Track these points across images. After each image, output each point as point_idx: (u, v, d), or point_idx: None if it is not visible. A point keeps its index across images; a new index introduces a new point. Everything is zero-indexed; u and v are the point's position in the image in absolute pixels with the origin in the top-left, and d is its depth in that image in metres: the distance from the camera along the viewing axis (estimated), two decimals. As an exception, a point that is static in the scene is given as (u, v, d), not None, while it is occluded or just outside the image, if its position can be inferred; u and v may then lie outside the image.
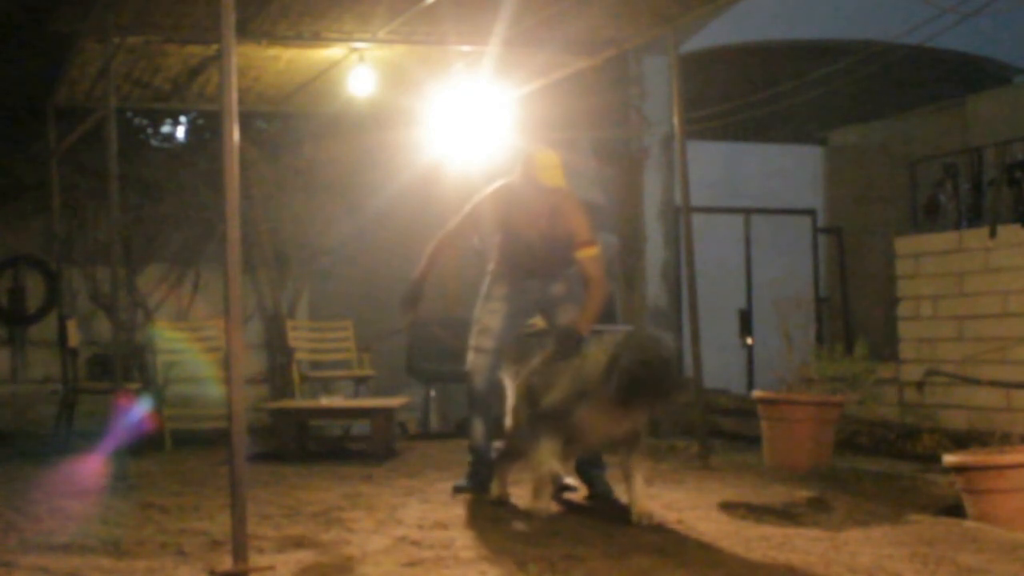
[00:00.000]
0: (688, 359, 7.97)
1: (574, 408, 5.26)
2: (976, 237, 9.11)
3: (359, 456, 8.29)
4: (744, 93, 11.91)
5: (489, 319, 5.99)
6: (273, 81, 9.55)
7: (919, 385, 9.20)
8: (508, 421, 5.79)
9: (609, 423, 5.28)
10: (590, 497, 5.97)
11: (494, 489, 5.84)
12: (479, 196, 6.07)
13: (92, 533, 5.15)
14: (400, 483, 6.73)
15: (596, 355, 5.28)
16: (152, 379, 9.52)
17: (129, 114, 11.10)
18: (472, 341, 6.01)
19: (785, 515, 5.65)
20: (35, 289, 10.93)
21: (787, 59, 13.74)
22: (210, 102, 9.95)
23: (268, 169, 11.23)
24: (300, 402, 9.27)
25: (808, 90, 11.15)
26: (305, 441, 8.59)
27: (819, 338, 11.42)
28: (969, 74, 14.71)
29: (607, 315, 7.86)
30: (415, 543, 4.88)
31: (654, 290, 12.57)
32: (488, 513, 5.61)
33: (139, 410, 8.28)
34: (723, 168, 13.02)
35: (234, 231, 4.47)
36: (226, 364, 4.52)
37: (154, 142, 11.84)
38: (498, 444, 5.96)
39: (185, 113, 11.57)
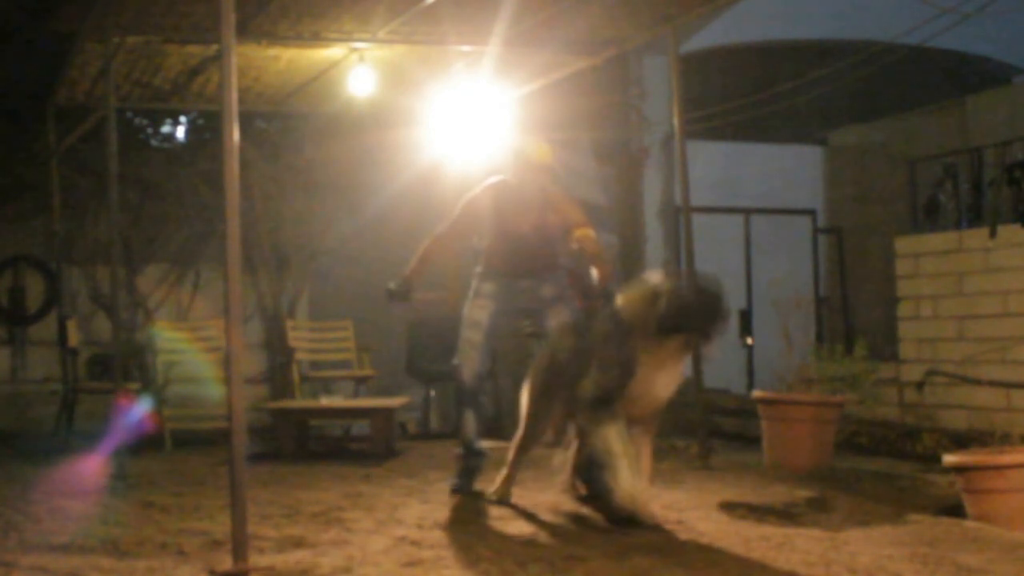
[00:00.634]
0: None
1: (623, 369, 5.12)
2: (976, 237, 9.11)
3: (359, 456, 8.29)
4: (744, 93, 11.91)
5: (478, 314, 5.99)
6: (273, 81, 9.55)
7: (919, 385, 9.20)
8: (524, 414, 5.74)
9: (660, 370, 5.15)
10: (590, 497, 5.97)
11: (499, 488, 5.81)
12: (470, 195, 6.08)
13: (92, 533, 5.15)
14: (400, 483, 6.73)
15: (630, 299, 5.19)
16: (152, 379, 9.52)
17: (129, 114, 11.10)
18: (461, 335, 6.01)
19: (785, 515, 5.65)
20: (35, 289, 10.92)
21: (787, 59, 13.75)
22: (210, 102, 9.95)
23: (268, 169, 11.23)
24: (300, 402, 9.27)
25: (808, 90, 11.15)
26: (305, 441, 8.59)
27: (819, 338, 11.42)
28: (969, 74, 14.72)
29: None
30: (415, 543, 4.88)
31: (654, 290, 12.54)
32: (488, 513, 5.61)
33: (139, 410, 8.27)
34: (723, 168, 13.01)
35: (234, 231, 4.47)
36: (226, 364, 4.52)
37: (154, 142, 11.83)
38: (486, 442, 5.95)
39: (185, 113, 11.56)
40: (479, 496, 5.92)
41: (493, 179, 6.07)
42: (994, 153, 10.04)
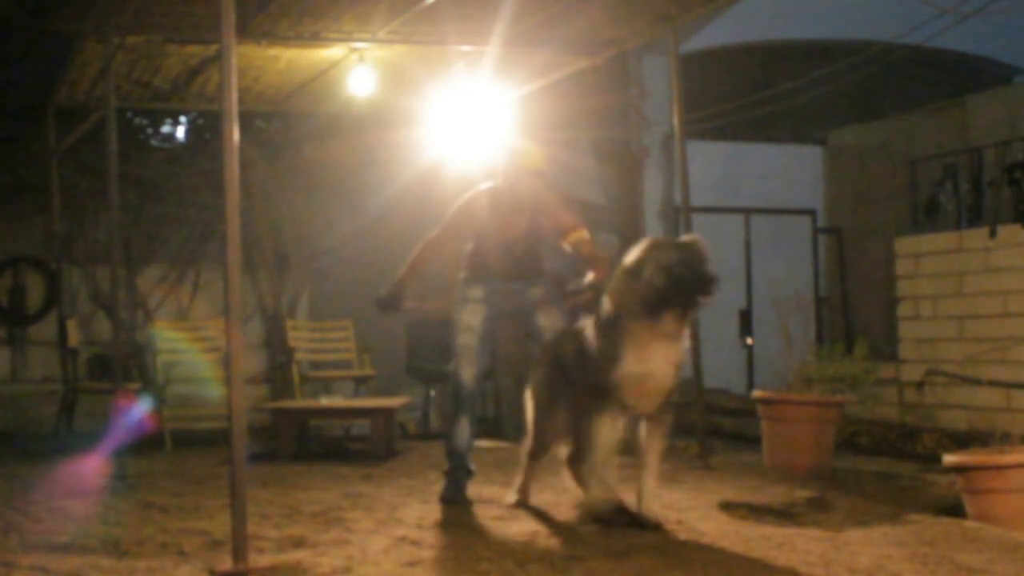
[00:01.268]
0: (688, 359, 7.96)
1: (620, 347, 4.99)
2: (976, 237, 9.12)
3: (359, 456, 8.29)
4: (744, 93, 11.92)
5: (471, 318, 5.97)
6: (273, 81, 9.55)
7: (919, 385, 9.21)
8: (530, 425, 5.72)
9: (656, 351, 5.01)
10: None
11: (517, 494, 5.80)
12: (461, 200, 6.07)
13: (92, 533, 5.15)
14: (400, 483, 6.73)
15: (612, 286, 5.06)
16: (152, 379, 9.52)
17: (129, 114, 11.10)
18: (457, 340, 6.00)
19: (785, 515, 5.65)
20: (35, 289, 10.94)
21: (787, 59, 13.76)
22: (210, 102, 9.95)
23: (268, 169, 11.23)
24: (300, 402, 9.26)
25: (808, 90, 11.16)
26: (305, 441, 8.59)
27: (819, 338, 11.43)
28: (969, 74, 14.73)
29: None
30: (415, 543, 4.87)
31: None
32: (488, 513, 5.61)
33: (139, 410, 8.27)
34: (723, 168, 13.02)
35: (234, 231, 4.47)
36: (226, 364, 4.52)
37: (154, 142, 11.84)
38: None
39: (185, 113, 11.57)
40: (472, 503, 5.89)
41: (485, 184, 6.07)
42: (994, 153, 10.05)
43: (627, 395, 5.09)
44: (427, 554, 4.66)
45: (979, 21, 8.75)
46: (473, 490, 6.00)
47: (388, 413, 8.43)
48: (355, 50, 8.65)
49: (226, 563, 4.37)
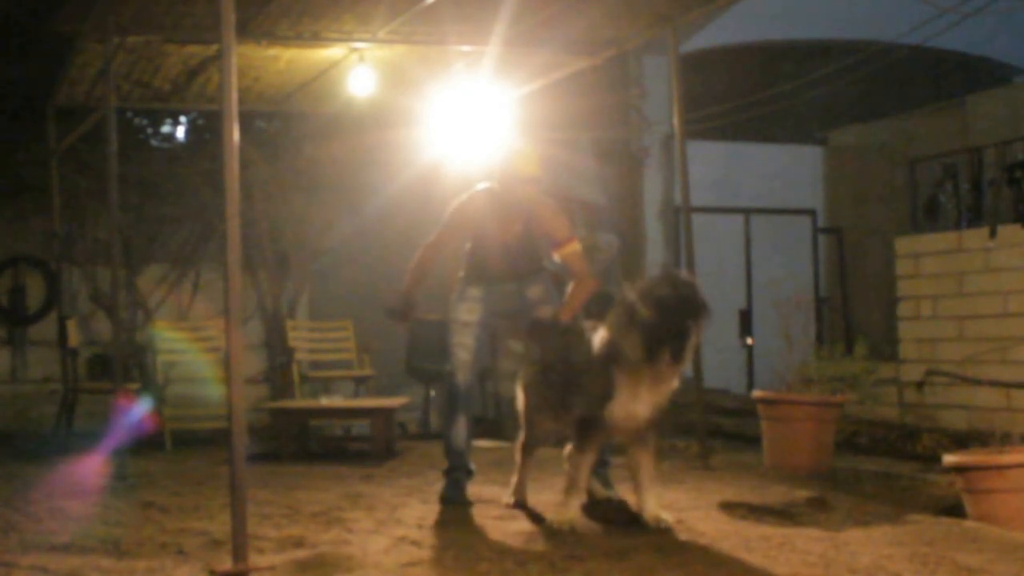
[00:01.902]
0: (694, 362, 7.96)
1: (609, 385, 5.07)
2: (976, 237, 9.11)
3: (359, 456, 8.29)
4: (744, 93, 11.92)
5: (468, 316, 5.98)
6: (273, 81, 9.55)
7: (919, 385, 9.20)
8: (521, 419, 5.77)
9: (648, 391, 5.09)
10: (590, 496, 5.96)
11: (514, 492, 5.81)
12: (456, 202, 6.06)
13: (92, 533, 5.15)
14: (400, 483, 6.73)
15: (611, 324, 5.11)
16: (152, 379, 9.52)
17: (129, 114, 11.10)
18: (453, 340, 6.00)
19: (785, 515, 5.65)
20: (35, 289, 10.93)
21: (787, 59, 13.77)
22: (210, 102, 9.95)
23: (268, 169, 11.23)
24: (300, 402, 9.27)
25: (808, 90, 11.16)
26: (305, 441, 8.59)
27: (819, 338, 11.42)
28: (969, 74, 14.73)
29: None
30: (415, 543, 4.88)
31: (654, 290, 12.54)
32: (488, 513, 5.61)
33: (139, 410, 8.27)
34: (723, 168, 13.02)
35: (234, 231, 4.47)
36: (226, 364, 4.52)
37: (154, 142, 11.84)
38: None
39: (185, 113, 11.57)
40: (472, 504, 5.89)
41: (481, 185, 6.07)
42: (994, 153, 10.05)
43: (615, 429, 5.19)
44: (427, 554, 4.66)
45: (979, 21, 8.75)
46: (473, 490, 6.00)
47: (388, 413, 8.43)
48: (355, 50, 8.65)
49: (226, 563, 4.37)
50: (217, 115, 4.76)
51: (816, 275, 13.56)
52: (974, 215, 10.06)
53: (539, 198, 5.90)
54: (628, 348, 5.00)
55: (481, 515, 5.57)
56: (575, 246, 5.86)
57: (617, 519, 5.41)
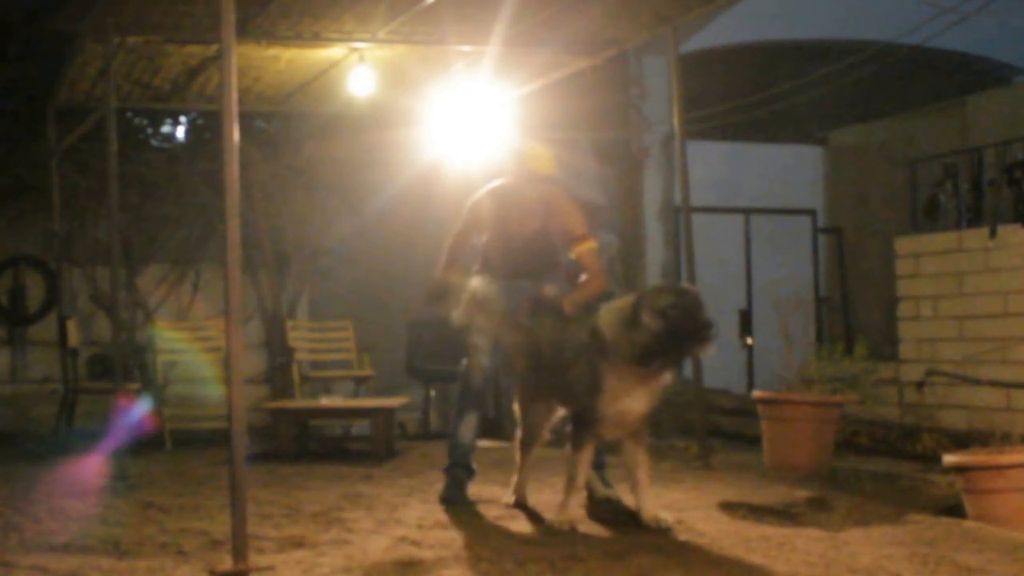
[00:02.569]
0: (688, 359, 7.96)
1: (601, 386, 5.08)
2: (976, 237, 9.12)
3: (359, 456, 8.29)
4: (744, 93, 11.93)
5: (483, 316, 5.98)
6: (273, 81, 9.55)
7: (919, 385, 9.20)
8: (518, 415, 5.77)
9: (639, 389, 5.11)
10: (589, 496, 5.96)
11: (514, 492, 5.81)
12: (473, 198, 6.08)
13: (92, 533, 5.15)
14: (400, 483, 6.73)
15: (610, 320, 5.11)
16: (152, 379, 9.52)
17: (129, 114, 11.09)
18: (470, 339, 6.00)
19: (785, 515, 5.65)
20: (35, 289, 10.92)
21: (787, 59, 13.77)
22: (210, 102, 9.95)
23: (268, 169, 11.23)
24: (300, 402, 9.27)
25: (808, 90, 11.16)
26: (305, 441, 8.59)
27: (819, 338, 11.43)
28: (969, 74, 14.73)
29: None
30: (415, 543, 4.88)
31: (654, 290, 12.54)
32: (488, 513, 5.61)
33: (139, 410, 8.27)
34: (723, 168, 13.01)
35: (234, 231, 4.47)
36: (226, 364, 4.52)
37: (154, 142, 11.83)
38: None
39: (185, 113, 11.56)
40: (474, 504, 5.89)
41: (496, 182, 6.08)
42: (994, 153, 10.05)
43: (607, 424, 5.19)
44: (427, 554, 4.66)
45: (979, 21, 8.76)
46: (473, 490, 6.00)
47: (388, 413, 8.43)
48: (355, 50, 8.65)
49: (226, 563, 4.37)
50: (217, 115, 4.76)
51: (816, 275, 13.56)
52: (974, 215, 10.06)
53: (559, 194, 5.93)
54: (624, 348, 5.01)
55: (481, 515, 5.57)
56: (591, 244, 5.89)
57: (617, 519, 5.41)
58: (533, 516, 5.51)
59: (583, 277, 5.88)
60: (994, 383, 8.62)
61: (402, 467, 7.56)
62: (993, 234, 8.89)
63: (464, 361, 6.00)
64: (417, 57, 9.02)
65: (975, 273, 9.03)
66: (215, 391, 8.65)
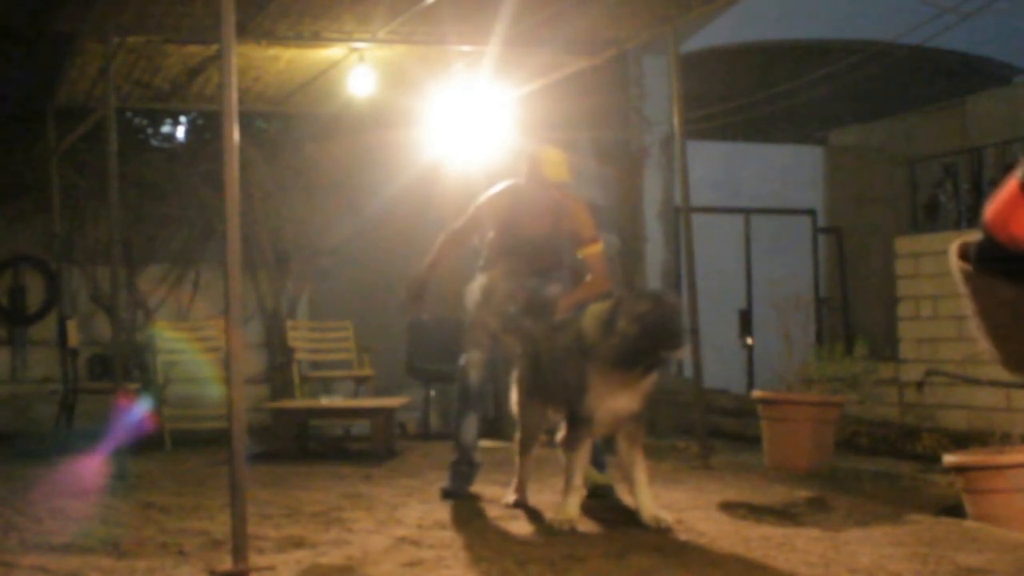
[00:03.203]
0: (688, 359, 7.97)
1: (586, 383, 5.13)
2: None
3: (359, 456, 8.29)
4: (744, 93, 11.92)
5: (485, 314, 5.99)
6: (273, 81, 9.55)
7: (919, 385, 9.20)
8: (517, 417, 5.77)
9: (622, 391, 5.13)
10: (589, 496, 5.96)
11: (515, 493, 5.81)
12: (485, 196, 6.09)
13: (92, 533, 5.15)
14: (400, 483, 6.73)
15: (591, 323, 5.17)
16: (152, 379, 9.52)
17: (129, 114, 11.10)
18: (468, 336, 6.01)
19: (785, 515, 5.65)
20: (35, 289, 10.93)
21: (787, 59, 13.75)
22: (210, 102, 9.95)
23: (268, 169, 11.23)
24: (300, 402, 9.27)
25: (808, 90, 11.16)
26: (305, 441, 8.59)
27: (819, 338, 11.43)
28: (969, 74, 14.72)
29: None
30: (415, 543, 4.87)
31: (654, 290, 12.55)
32: (488, 513, 5.61)
33: (139, 410, 8.27)
34: (723, 168, 13.02)
35: (234, 231, 4.47)
36: (226, 364, 4.52)
37: (154, 142, 11.84)
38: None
39: (185, 113, 11.56)
40: (476, 498, 5.90)
41: (509, 181, 6.09)
42: (994, 153, 10.05)
43: (597, 423, 5.21)
44: (427, 554, 4.66)
45: (979, 21, 8.76)
46: (473, 490, 6.00)
47: (388, 413, 8.43)
48: (355, 50, 8.65)
49: (226, 563, 4.37)
50: (217, 115, 4.76)
51: (816, 275, 13.56)
52: (974, 215, 10.05)
53: (571, 199, 5.96)
54: (601, 351, 5.07)
55: (481, 515, 5.57)
56: (599, 246, 5.96)
57: (617, 519, 5.41)
58: (533, 516, 5.51)
59: (588, 277, 5.91)
60: (994, 383, 8.62)
61: (402, 467, 7.56)
62: (993, 234, 8.89)
63: (461, 359, 6.00)
64: (417, 57, 9.02)
65: (975, 273, 9.02)
66: (215, 391, 8.65)
